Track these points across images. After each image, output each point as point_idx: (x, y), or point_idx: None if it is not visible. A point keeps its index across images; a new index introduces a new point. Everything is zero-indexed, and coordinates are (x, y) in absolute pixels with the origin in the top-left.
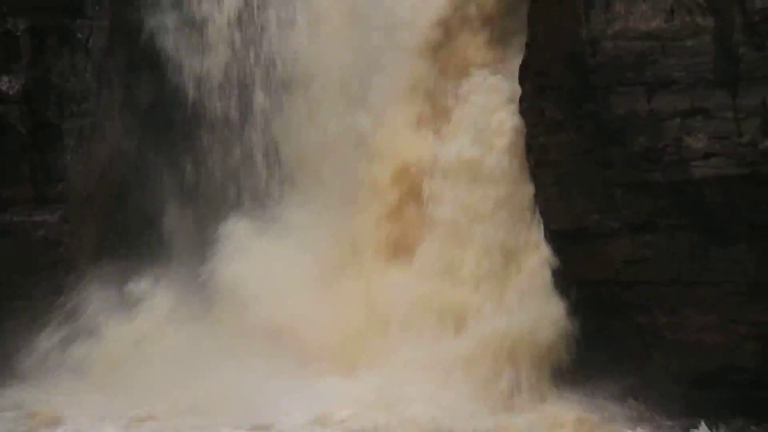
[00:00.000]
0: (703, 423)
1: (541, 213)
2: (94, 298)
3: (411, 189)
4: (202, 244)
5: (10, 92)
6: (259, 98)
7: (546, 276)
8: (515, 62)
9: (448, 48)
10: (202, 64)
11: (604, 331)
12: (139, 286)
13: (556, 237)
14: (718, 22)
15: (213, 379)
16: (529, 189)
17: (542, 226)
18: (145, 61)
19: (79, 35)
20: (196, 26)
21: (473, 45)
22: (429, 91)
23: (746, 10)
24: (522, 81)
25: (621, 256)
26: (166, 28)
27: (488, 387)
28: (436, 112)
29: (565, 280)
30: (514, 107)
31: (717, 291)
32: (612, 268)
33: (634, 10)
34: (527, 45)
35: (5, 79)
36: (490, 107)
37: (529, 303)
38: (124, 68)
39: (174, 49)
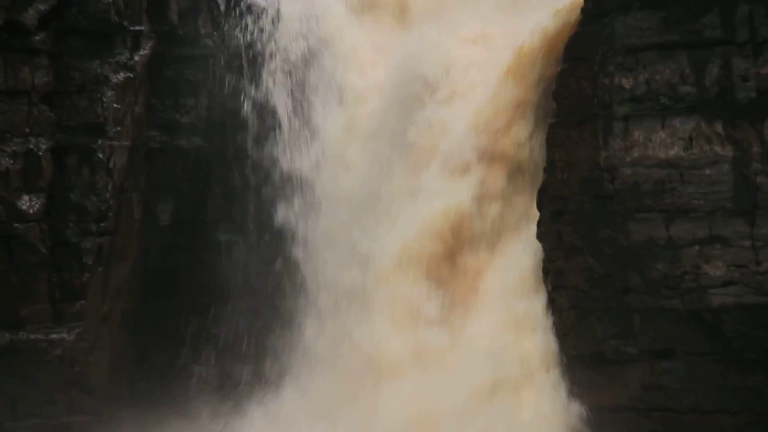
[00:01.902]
0: None
1: (558, 337)
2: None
3: None
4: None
5: (30, 211)
6: None
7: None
8: None
9: None
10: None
11: None
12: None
13: (573, 361)
14: (737, 151)
15: None
16: None
17: (558, 350)
18: (165, 180)
19: (100, 155)
20: None
21: None
22: None
23: (764, 140)
24: (540, 205)
25: (639, 382)
26: (185, 150)
27: None
28: None
29: (582, 405)
30: None
31: (735, 420)
32: (629, 395)
33: (653, 137)
34: (545, 170)
35: (26, 198)
36: None
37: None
38: (143, 187)
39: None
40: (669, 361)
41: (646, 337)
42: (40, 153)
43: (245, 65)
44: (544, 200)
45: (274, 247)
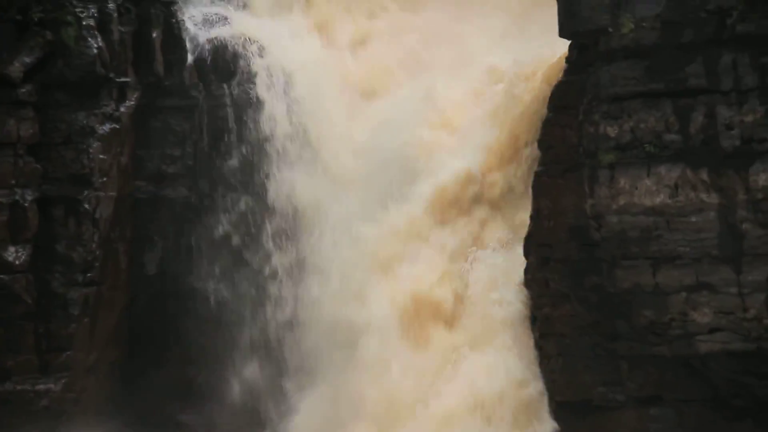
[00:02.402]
0: None
1: (545, 385)
2: None
3: None
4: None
5: (17, 262)
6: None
7: None
8: None
9: None
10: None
11: None
12: None
13: (560, 409)
14: (722, 199)
15: None
16: None
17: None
18: (151, 230)
19: (86, 206)
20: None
21: None
22: None
23: (749, 188)
24: (526, 253)
25: (627, 429)
26: (171, 200)
27: None
28: None
29: None
30: None
31: None
32: None
33: (639, 185)
34: (531, 218)
35: (12, 249)
36: None
37: None
38: (129, 237)
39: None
40: (657, 407)
41: (634, 384)
42: (26, 204)
43: (231, 116)
44: (530, 248)
45: (261, 296)
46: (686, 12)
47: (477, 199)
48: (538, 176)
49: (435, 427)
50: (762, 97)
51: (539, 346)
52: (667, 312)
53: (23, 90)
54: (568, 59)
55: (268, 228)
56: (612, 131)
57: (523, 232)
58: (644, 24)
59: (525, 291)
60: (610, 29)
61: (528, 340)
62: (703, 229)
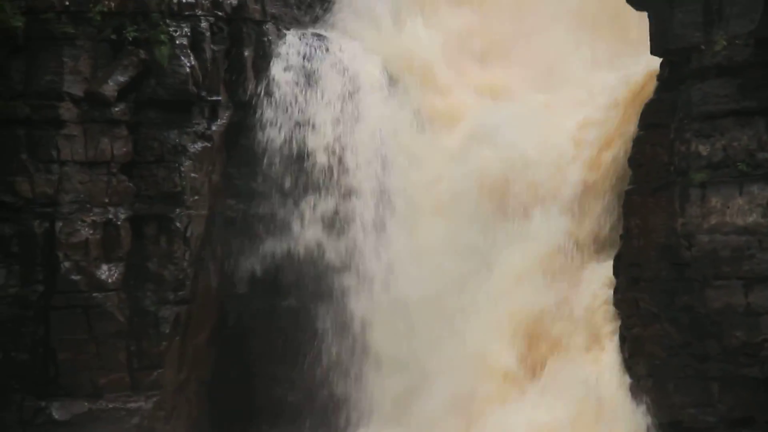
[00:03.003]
0: None
1: (636, 405)
2: None
3: None
4: None
5: (109, 280)
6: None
7: None
8: None
9: None
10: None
11: None
12: None
13: (651, 430)
14: None
15: None
16: None
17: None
18: (242, 248)
19: (178, 224)
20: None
21: None
22: None
23: None
24: (616, 272)
25: None
26: (262, 215)
27: None
28: None
29: None
30: None
31: None
32: None
33: (731, 204)
34: (621, 237)
35: (105, 267)
36: None
37: None
38: (220, 255)
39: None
40: (749, 429)
41: (725, 406)
42: (119, 223)
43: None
44: (620, 267)
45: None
46: None
47: None
48: (628, 195)
49: None
50: None
51: (628, 366)
52: (760, 333)
53: (117, 109)
54: (659, 77)
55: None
56: (704, 149)
57: None
58: (737, 41)
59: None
60: (703, 47)
61: None
62: None
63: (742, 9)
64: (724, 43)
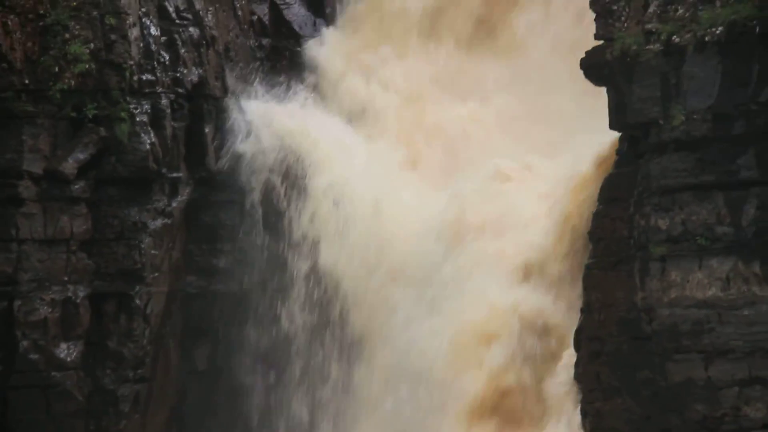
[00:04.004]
0: None
1: None
2: None
3: None
4: None
5: (68, 359)
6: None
7: None
8: None
9: None
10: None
11: None
12: None
13: None
14: None
15: None
16: None
17: None
18: (202, 325)
19: (138, 301)
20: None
21: None
22: None
23: None
24: (577, 346)
25: None
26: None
27: None
28: None
29: None
30: None
31: None
32: None
33: (690, 278)
34: (582, 311)
35: (63, 346)
36: None
37: None
38: (180, 333)
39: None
40: None
41: None
42: (78, 301)
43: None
44: (581, 341)
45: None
46: (737, 104)
47: None
48: (588, 269)
49: None
50: None
51: None
52: (720, 407)
53: (77, 186)
54: (618, 151)
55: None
56: (663, 223)
57: None
58: (695, 116)
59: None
60: (661, 121)
61: None
62: (756, 323)
63: (700, 84)
64: (683, 117)
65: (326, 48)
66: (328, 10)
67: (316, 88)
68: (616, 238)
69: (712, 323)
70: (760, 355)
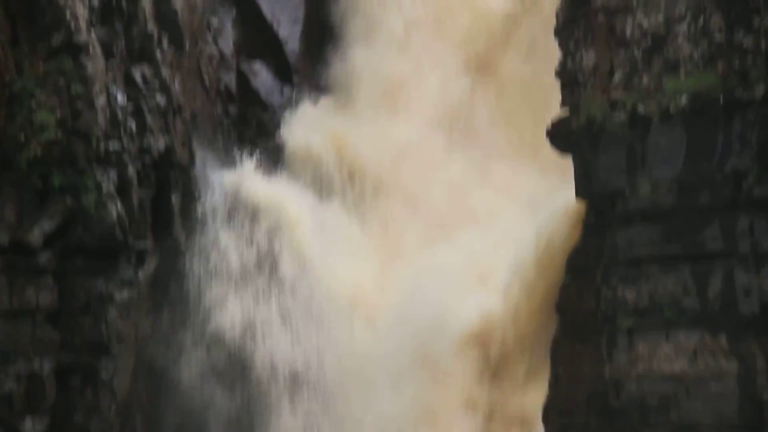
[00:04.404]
0: None
1: None
2: None
3: None
4: None
5: None
6: None
7: None
8: None
9: None
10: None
11: None
12: None
13: None
14: (742, 366)
15: None
16: None
17: None
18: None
19: (104, 375)
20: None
21: None
22: None
23: None
24: (545, 420)
25: None
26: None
27: None
28: None
29: None
30: None
31: None
32: None
33: (658, 351)
34: (550, 385)
35: (29, 419)
36: None
37: None
38: (147, 403)
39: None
40: None
41: None
42: (44, 374)
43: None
44: (549, 415)
45: None
46: (703, 175)
47: None
48: (556, 342)
49: None
50: None
51: None
52: None
53: (43, 257)
54: (585, 222)
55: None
56: (630, 295)
57: None
58: (661, 186)
59: None
60: (627, 192)
61: None
62: (723, 397)
63: (665, 155)
64: (648, 188)
65: (293, 116)
66: (295, 79)
67: (283, 155)
68: (583, 311)
69: (679, 398)
70: (728, 430)
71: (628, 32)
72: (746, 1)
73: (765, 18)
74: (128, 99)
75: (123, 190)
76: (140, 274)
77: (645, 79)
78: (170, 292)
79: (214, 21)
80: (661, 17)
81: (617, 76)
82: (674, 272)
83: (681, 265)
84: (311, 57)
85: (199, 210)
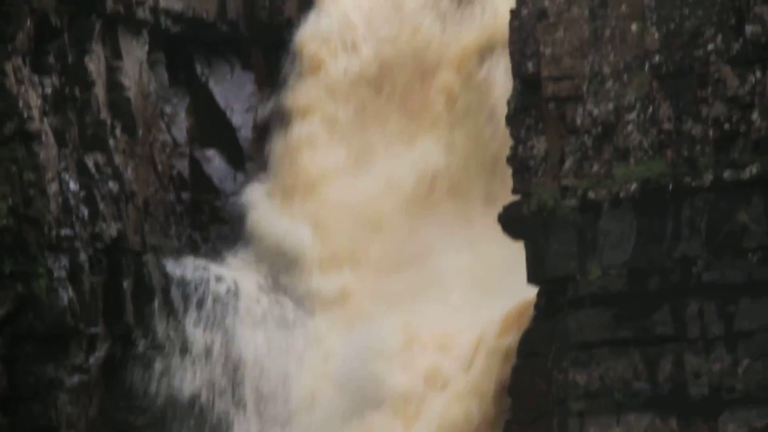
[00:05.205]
0: None
1: None
2: None
3: None
4: None
5: None
6: None
7: None
8: None
9: None
10: None
11: None
12: None
13: None
14: None
15: None
16: None
17: None
18: None
19: None
20: None
21: None
22: None
23: None
24: None
25: None
26: None
27: None
28: None
29: None
30: None
31: None
32: None
33: None
34: None
35: None
36: None
37: None
38: None
39: None
40: None
41: None
42: None
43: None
44: None
45: None
46: (652, 260)
47: None
48: (508, 424)
49: None
50: (728, 346)
51: None
52: None
53: None
54: (536, 306)
55: None
56: (581, 379)
57: None
58: (611, 271)
59: None
60: (578, 276)
61: None
62: None
63: (616, 240)
64: (599, 272)
65: (247, 202)
66: (248, 165)
67: (236, 242)
68: (534, 394)
69: None
70: None
71: (579, 120)
72: (694, 92)
73: (713, 108)
74: (81, 186)
75: (74, 276)
76: (91, 359)
77: (595, 166)
78: (121, 378)
79: (168, 109)
80: (611, 106)
81: (568, 163)
82: (625, 356)
83: (631, 349)
84: (260, 140)
85: (151, 295)
